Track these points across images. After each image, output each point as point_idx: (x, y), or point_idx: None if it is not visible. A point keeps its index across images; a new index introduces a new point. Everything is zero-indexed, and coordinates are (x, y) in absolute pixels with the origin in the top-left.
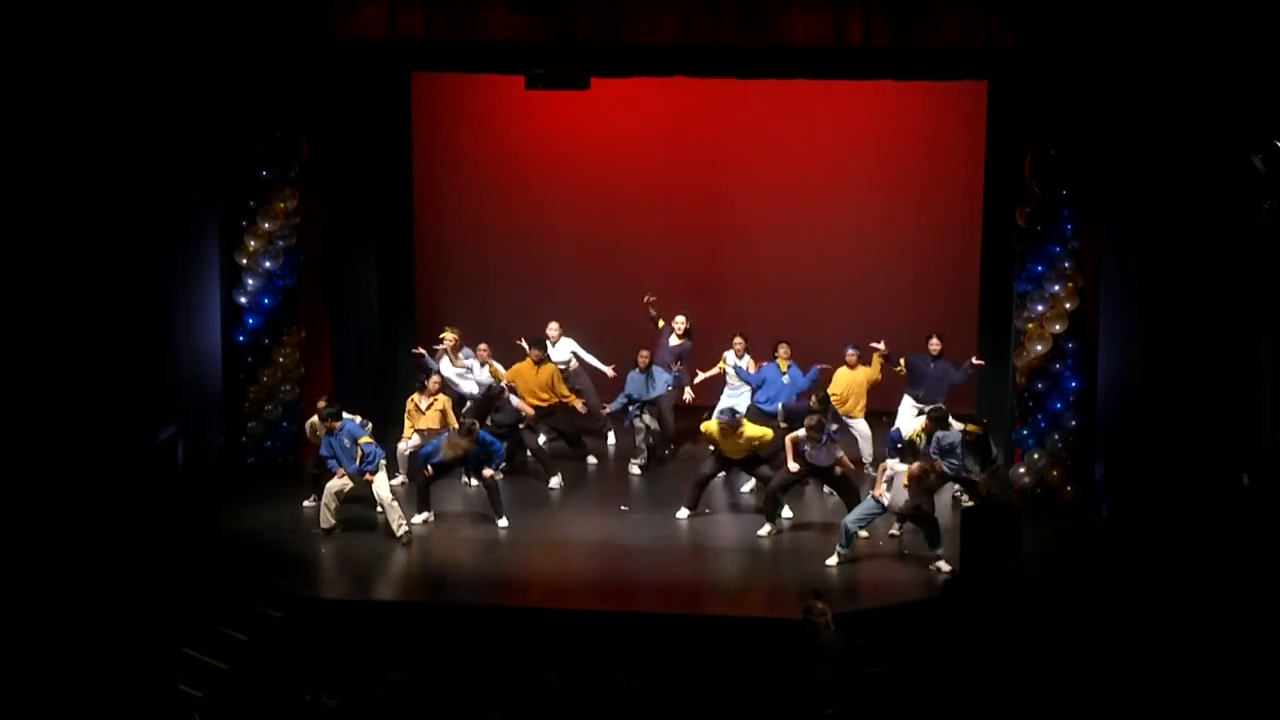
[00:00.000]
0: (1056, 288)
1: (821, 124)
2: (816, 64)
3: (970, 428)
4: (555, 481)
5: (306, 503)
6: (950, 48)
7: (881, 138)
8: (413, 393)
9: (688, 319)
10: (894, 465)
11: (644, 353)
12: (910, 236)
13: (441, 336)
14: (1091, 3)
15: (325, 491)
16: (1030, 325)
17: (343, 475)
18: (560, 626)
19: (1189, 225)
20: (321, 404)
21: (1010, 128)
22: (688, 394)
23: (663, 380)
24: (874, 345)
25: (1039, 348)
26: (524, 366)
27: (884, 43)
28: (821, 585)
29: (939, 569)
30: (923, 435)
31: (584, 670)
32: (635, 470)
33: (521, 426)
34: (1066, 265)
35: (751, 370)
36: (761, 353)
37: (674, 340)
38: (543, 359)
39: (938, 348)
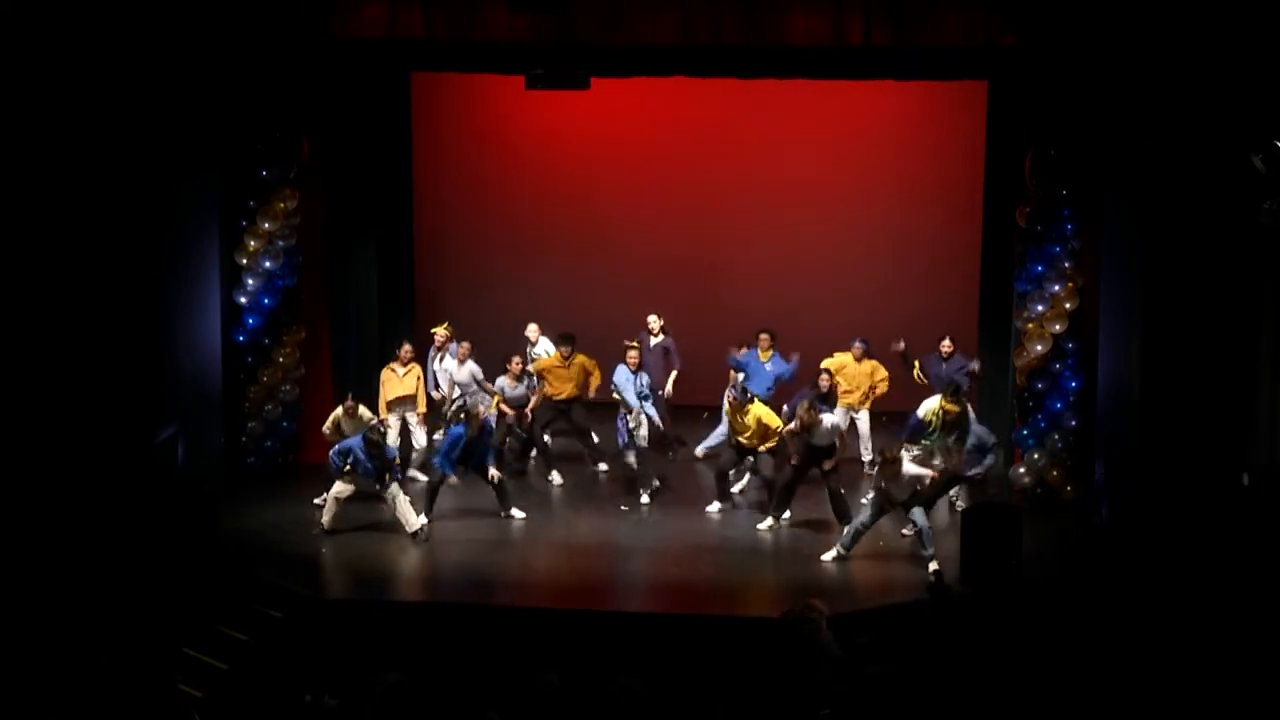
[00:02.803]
0: (1056, 288)
1: (821, 124)
2: (816, 64)
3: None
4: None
5: (317, 500)
6: (950, 48)
7: (881, 138)
8: (390, 363)
9: (659, 315)
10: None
11: (632, 353)
12: (910, 236)
13: (433, 331)
14: (1091, 3)
15: (331, 495)
16: (1030, 325)
17: (350, 481)
18: (560, 626)
19: (1189, 225)
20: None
21: (1010, 128)
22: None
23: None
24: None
25: (1039, 348)
26: (552, 362)
27: (884, 43)
28: (820, 585)
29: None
30: (939, 414)
31: (584, 670)
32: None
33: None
34: (1066, 265)
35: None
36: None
37: (653, 341)
38: (571, 354)
39: (949, 349)
